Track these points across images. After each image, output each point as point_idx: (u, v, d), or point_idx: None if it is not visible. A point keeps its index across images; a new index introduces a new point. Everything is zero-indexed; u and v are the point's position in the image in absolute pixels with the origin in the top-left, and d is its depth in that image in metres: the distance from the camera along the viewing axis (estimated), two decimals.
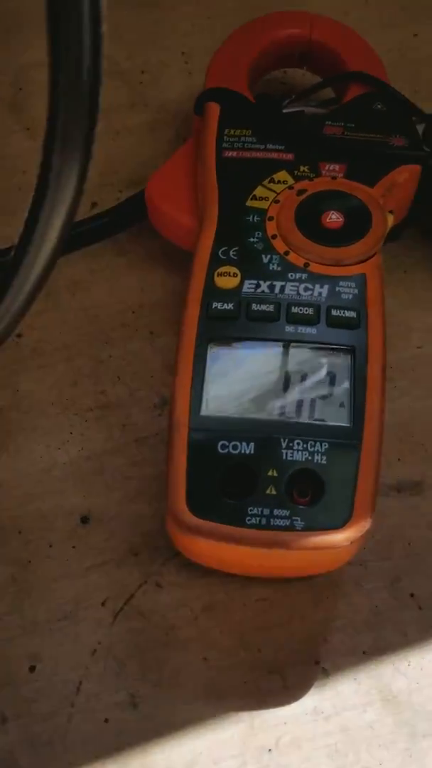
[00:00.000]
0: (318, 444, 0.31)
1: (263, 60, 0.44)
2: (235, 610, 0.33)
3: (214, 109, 0.40)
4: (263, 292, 0.34)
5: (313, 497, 0.30)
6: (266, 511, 0.30)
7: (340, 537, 0.29)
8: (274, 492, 0.30)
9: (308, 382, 0.32)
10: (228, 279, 0.34)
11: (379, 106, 0.40)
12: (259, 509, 0.30)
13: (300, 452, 0.30)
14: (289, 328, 0.33)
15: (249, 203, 0.37)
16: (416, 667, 0.32)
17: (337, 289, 0.34)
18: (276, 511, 0.30)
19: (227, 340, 0.33)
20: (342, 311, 0.34)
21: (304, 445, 0.31)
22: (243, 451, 0.31)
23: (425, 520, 0.35)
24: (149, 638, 0.32)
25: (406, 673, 0.32)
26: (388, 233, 0.40)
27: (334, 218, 0.36)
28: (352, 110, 0.40)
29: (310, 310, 0.34)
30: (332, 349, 0.33)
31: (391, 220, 0.39)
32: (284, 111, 0.44)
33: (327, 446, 0.31)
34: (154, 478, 0.35)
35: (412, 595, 0.33)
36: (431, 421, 0.37)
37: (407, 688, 0.31)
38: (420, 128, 0.42)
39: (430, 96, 0.48)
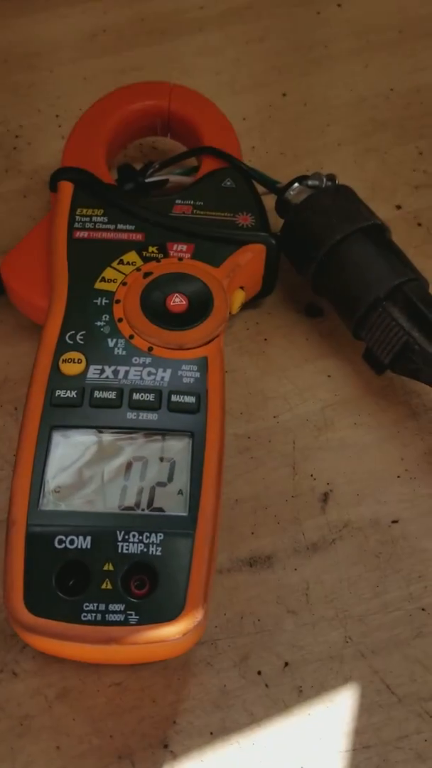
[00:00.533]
0: (153, 535, 0.31)
1: (123, 132, 0.45)
2: (89, 695, 0.33)
3: (66, 188, 0.40)
4: (107, 377, 0.35)
5: (150, 589, 0.31)
6: (101, 607, 0.30)
7: (173, 630, 0.30)
8: (109, 586, 0.31)
9: (148, 470, 0.33)
10: (73, 365, 0.35)
11: (228, 183, 0.41)
12: (95, 605, 0.30)
13: (135, 544, 0.31)
14: (131, 415, 0.34)
15: (97, 285, 0.37)
16: (260, 747, 0.32)
17: (179, 373, 0.35)
18: (111, 606, 0.30)
19: (69, 428, 0.34)
20: (182, 396, 0.34)
21: (140, 537, 0.31)
22: (79, 546, 0.31)
23: (274, 594, 0.35)
24: (4, 729, 0.33)
25: (250, 752, 0.32)
26: (245, 304, 0.41)
27: (177, 301, 0.37)
28: (203, 188, 0.41)
29: (152, 396, 0.34)
30: (172, 434, 0.34)
31: (241, 296, 0.40)
32: (147, 180, 0.45)
33: (162, 537, 0.31)
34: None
35: (259, 673, 0.34)
36: (284, 491, 0.38)
37: None
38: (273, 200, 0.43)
39: (295, 160, 0.49)
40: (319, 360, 0.42)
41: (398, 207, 0.48)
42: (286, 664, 0.34)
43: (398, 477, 0.38)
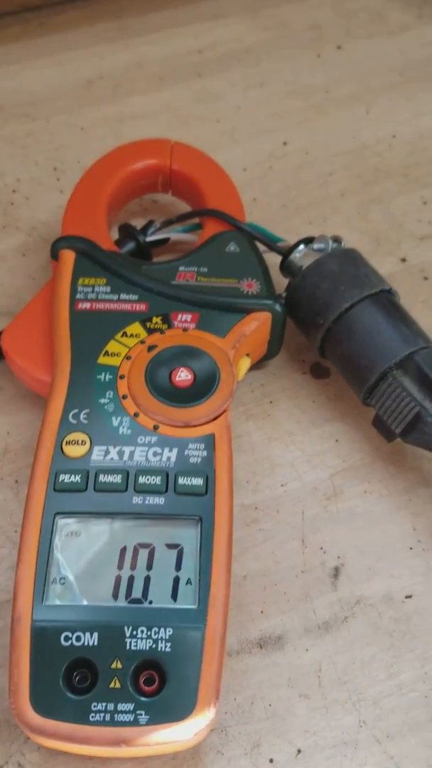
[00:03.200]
0: (162, 630, 0.31)
1: (124, 192, 0.44)
2: None
3: (68, 258, 0.40)
4: (112, 459, 0.34)
5: (159, 687, 0.30)
6: (110, 706, 0.30)
7: (184, 730, 0.29)
8: (118, 685, 0.30)
9: (156, 560, 0.32)
10: (76, 447, 0.34)
11: (233, 248, 0.40)
12: (103, 704, 0.30)
13: (144, 641, 0.30)
14: (137, 499, 0.33)
15: (101, 360, 0.37)
16: None
17: (186, 452, 0.34)
18: (120, 706, 0.30)
19: (74, 514, 0.33)
20: (189, 478, 0.34)
21: (149, 633, 0.30)
22: (86, 643, 0.30)
23: (285, 677, 0.35)
24: None
25: None
26: (251, 368, 0.40)
27: (183, 377, 0.36)
28: (206, 253, 0.40)
29: (158, 479, 0.33)
30: (180, 519, 0.33)
31: (247, 363, 0.39)
32: (148, 239, 0.44)
33: (171, 632, 0.31)
34: None
35: (271, 761, 0.33)
36: (294, 565, 0.37)
37: None
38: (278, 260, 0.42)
39: (297, 212, 0.48)
40: (327, 424, 0.41)
41: (403, 260, 0.47)
42: (299, 751, 0.33)
43: (411, 549, 0.38)
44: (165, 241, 0.45)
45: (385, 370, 0.37)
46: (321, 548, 0.38)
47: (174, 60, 0.57)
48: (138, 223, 0.45)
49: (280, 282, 0.42)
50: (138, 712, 0.30)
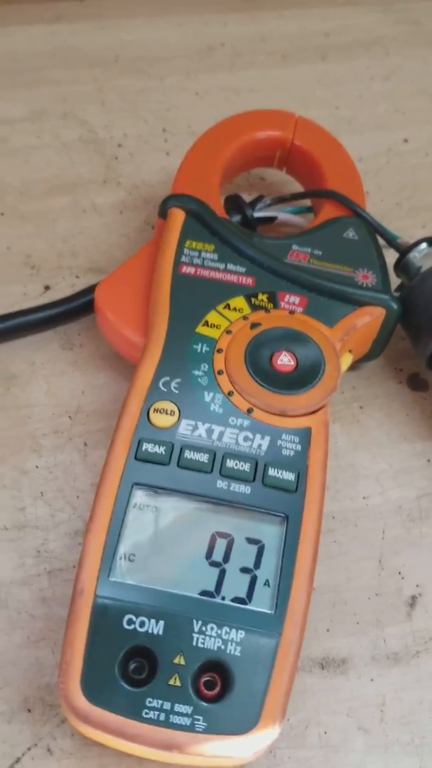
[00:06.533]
0: (234, 631, 0.28)
1: (239, 160, 0.41)
2: None
3: (178, 217, 0.37)
4: (200, 436, 0.31)
5: (221, 692, 0.27)
6: (167, 705, 0.27)
7: (243, 746, 0.26)
8: (178, 683, 0.27)
9: (234, 553, 0.29)
10: (164, 417, 0.32)
11: (350, 235, 0.37)
12: (159, 702, 0.27)
13: (213, 639, 0.27)
14: (222, 484, 0.30)
15: (199, 329, 0.34)
16: None
17: (279, 442, 0.31)
18: (177, 707, 0.27)
19: (153, 488, 0.30)
20: (280, 471, 0.31)
21: (219, 631, 0.28)
22: (150, 630, 0.27)
23: (345, 705, 0.32)
24: None
25: None
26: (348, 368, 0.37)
27: (285, 361, 0.33)
28: (322, 235, 0.37)
29: (247, 466, 0.31)
30: (265, 514, 0.30)
31: (349, 359, 0.36)
32: (256, 215, 0.41)
33: (243, 635, 0.28)
34: (64, 621, 0.32)
35: None
36: (368, 586, 0.34)
37: None
38: (393, 255, 0.39)
39: (411, 213, 0.46)
40: (419, 441, 0.38)
41: None
42: None
43: None
44: (272, 219, 0.42)
45: None
46: (399, 573, 0.35)
47: (299, 39, 0.54)
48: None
49: (393, 282, 0.39)
50: (196, 716, 0.27)
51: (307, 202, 0.43)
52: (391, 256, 0.39)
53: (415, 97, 0.52)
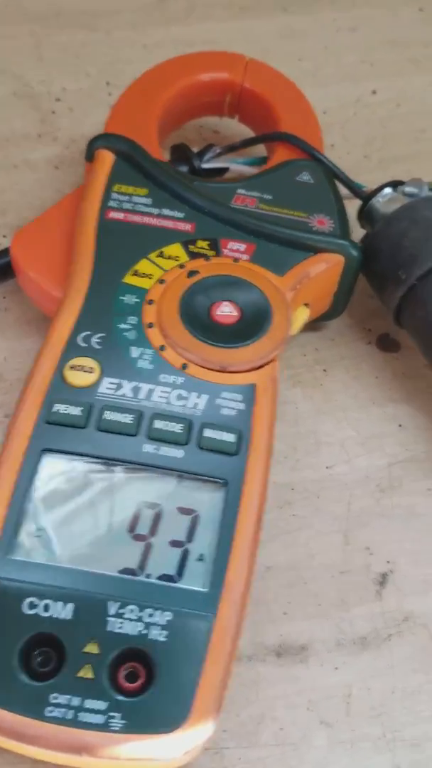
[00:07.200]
0: (158, 613, 0.24)
1: (183, 105, 0.38)
2: None
3: (106, 158, 0.33)
4: (124, 395, 0.27)
5: (144, 685, 0.23)
6: (75, 701, 0.23)
7: (170, 745, 0.22)
8: (90, 675, 0.23)
9: (162, 523, 0.25)
10: (82, 375, 0.28)
11: (305, 177, 0.33)
12: (66, 697, 0.23)
13: (132, 623, 0.23)
14: (149, 447, 0.26)
15: (127, 279, 0.30)
16: None
17: (218, 401, 0.28)
18: (88, 702, 0.23)
19: (65, 454, 0.26)
20: (218, 432, 0.27)
21: (140, 614, 0.24)
22: (56, 615, 0.24)
23: (305, 697, 0.28)
24: None
25: None
26: (305, 325, 0.33)
27: (226, 311, 0.29)
28: (272, 179, 0.33)
29: (179, 427, 0.27)
30: (200, 480, 0.26)
31: (305, 314, 0.32)
32: (204, 166, 0.37)
33: (170, 617, 0.24)
34: None
35: None
36: (331, 563, 0.30)
37: None
38: (355, 206, 0.35)
39: (380, 165, 0.42)
40: (390, 404, 0.34)
41: None
42: None
43: None
44: (223, 171, 0.38)
45: None
46: (367, 548, 0.31)
47: None
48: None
49: (358, 235, 0.35)
50: (112, 713, 0.23)
51: (263, 153, 0.39)
52: (353, 207, 0.35)
53: (384, 48, 0.49)
